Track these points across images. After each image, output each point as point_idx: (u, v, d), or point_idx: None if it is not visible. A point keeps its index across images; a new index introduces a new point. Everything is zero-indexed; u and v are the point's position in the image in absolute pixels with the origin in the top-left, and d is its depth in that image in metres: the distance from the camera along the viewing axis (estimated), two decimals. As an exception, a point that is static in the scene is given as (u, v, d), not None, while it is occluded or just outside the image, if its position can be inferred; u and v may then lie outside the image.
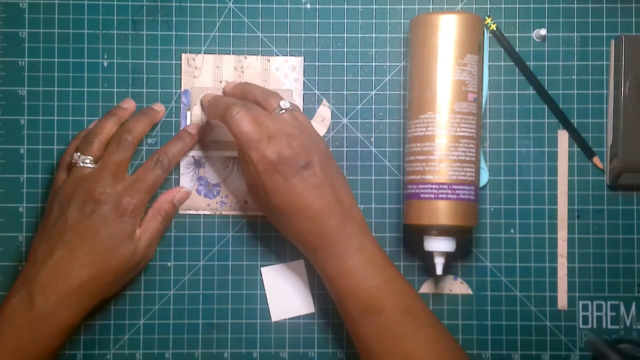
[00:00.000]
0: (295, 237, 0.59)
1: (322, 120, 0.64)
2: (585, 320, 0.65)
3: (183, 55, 0.64)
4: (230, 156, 0.64)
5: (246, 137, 0.56)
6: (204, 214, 0.64)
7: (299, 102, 0.64)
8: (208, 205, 0.64)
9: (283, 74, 0.63)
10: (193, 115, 0.64)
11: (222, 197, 0.64)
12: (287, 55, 0.64)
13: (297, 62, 0.63)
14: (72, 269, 0.56)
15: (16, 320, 0.55)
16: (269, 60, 0.63)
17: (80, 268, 0.56)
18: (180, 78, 0.64)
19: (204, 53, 0.64)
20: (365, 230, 0.58)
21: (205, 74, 0.63)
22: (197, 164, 0.64)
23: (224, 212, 0.64)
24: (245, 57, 0.63)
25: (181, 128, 0.64)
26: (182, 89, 0.64)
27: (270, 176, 0.56)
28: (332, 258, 0.57)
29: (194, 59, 0.63)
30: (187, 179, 0.64)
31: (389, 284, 0.57)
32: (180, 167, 0.64)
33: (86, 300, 0.57)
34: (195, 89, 0.64)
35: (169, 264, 0.65)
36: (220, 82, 0.63)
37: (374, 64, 0.66)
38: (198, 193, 0.64)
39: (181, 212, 0.64)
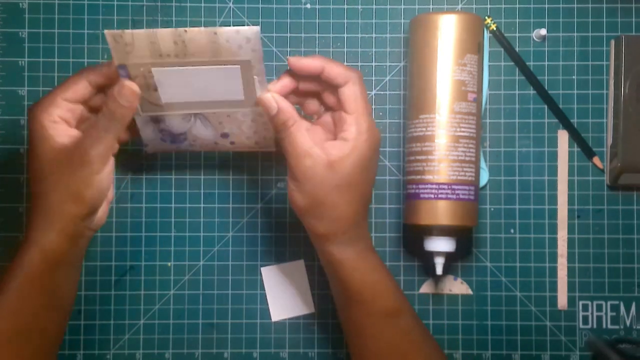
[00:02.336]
0: (347, 214, 0.55)
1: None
2: (585, 320, 0.65)
3: (107, 32, 0.52)
4: (189, 113, 0.59)
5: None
6: (203, 210, 0.65)
7: (258, 67, 0.54)
8: (177, 147, 0.62)
9: (236, 46, 0.53)
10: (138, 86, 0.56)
11: (190, 142, 0.61)
12: (245, 27, 0.53)
13: (252, 33, 0.52)
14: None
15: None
16: (216, 33, 0.52)
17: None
18: (111, 54, 0.53)
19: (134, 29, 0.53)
20: None
21: (140, 49, 0.53)
22: (155, 120, 0.59)
23: (195, 150, 0.62)
24: (186, 31, 0.52)
25: None
26: (117, 64, 0.53)
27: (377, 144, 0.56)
28: (366, 249, 0.57)
29: (121, 36, 0.52)
30: (148, 131, 0.60)
31: (398, 287, 0.58)
32: (138, 123, 0.59)
33: (53, 212, 0.54)
34: (132, 65, 0.54)
35: (169, 264, 0.65)
36: (161, 55, 0.53)
37: (374, 64, 0.66)
38: (163, 141, 0.61)
39: (149, 152, 0.62)
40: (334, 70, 0.54)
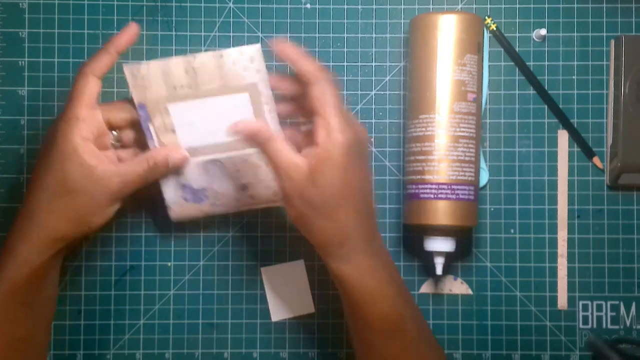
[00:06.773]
0: (336, 229, 0.52)
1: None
2: (585, 320, 0.65)
3: (125, 67, 0.55)
4: (207, 160, 0.59)
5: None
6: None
7: (266, 93, 0.57)
8: (201, 209, 0.61)
9: (242, 67, 0.55)
10: (156, 128, 0.58)
11: (212, 200, 0.61)
12: (244, 44, 0.56)
13: (254, 50, 0.54)
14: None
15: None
16: (222, 56, 0.54)
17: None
18: (130, 93, 0.56)
19: (148, 60, 0.56)
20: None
21: (156, 82, 0.56)
22: (175, 173, 0.60)
23: (217, 211, 0.62)
24: (195, 57, 0.55)
25: (149, 142, 0.58)
26: (137, 104, 0.56)
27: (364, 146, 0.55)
28: (373, 266, 0.53)
29: (138, 70, 0.55)
30: (170, 187, 0.60)
31: (410, 302, 0.56)
32: (160, 182, 0.60)
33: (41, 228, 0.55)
34: (150, 102, 0.56)
35: (169, 264, 0.65)
36: (175, 87, 0.56)
37: (374, 64, 0.66)
38: (186, 201, 0.61)
39: (174, 217, 0.62)
40: (304, 67, 0.53)
